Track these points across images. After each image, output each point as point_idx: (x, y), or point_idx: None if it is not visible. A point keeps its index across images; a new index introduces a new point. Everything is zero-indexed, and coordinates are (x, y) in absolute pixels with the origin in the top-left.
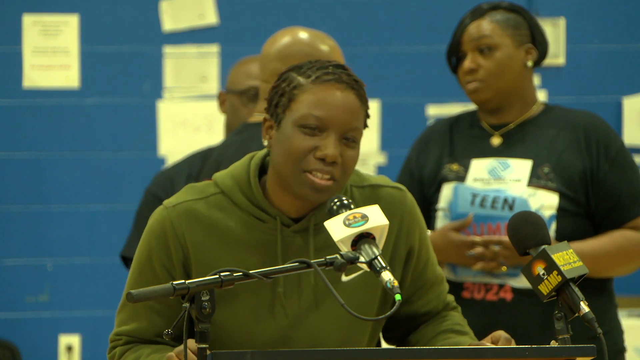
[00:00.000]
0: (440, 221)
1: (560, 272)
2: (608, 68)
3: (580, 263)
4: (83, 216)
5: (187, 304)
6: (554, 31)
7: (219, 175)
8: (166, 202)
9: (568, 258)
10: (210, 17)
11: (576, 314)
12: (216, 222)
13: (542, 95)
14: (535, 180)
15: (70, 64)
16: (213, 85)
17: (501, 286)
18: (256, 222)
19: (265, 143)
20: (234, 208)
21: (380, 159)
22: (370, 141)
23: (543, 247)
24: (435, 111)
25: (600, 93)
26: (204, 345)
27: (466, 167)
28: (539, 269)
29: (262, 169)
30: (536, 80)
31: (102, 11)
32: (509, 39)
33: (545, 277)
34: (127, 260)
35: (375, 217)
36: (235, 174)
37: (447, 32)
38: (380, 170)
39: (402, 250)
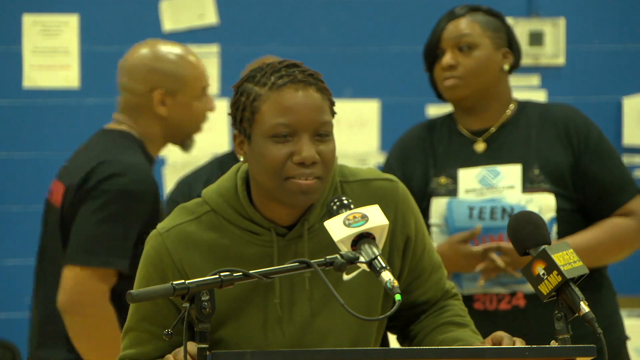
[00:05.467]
0: (436, 237)
1: (560, 272)
2: (608, 68)
3: (581, 263)
4: None
5: (187, 304)
6: (554, 31)
7: (207, 193)
8: (159, 226)
9: (568, 258)
10: (210, 17)
11: (576, 314)
12: (211, 243)
13: (542, 95)
14: (529, 184)
15: (70, 64)
16: (213, 85)
17: (513, 294)
18: (251, 237)
19: (242, 159)
20: (226, 225)
21: (381, 159)
22: (370, 141)
23: (543, 247)
24: (435, 111)
25: (600, 93)
26: (203, 346)
27: (454, 179)
28: (539, 269)
29: (248, 181)
30: (536, 80)
31: (102, 11)
32: (489, 40)
33: (545, 277)
34: None
35: (375, 217)
36: (222, 190)
37: None
38: (380, 170)
39: (400, 240)
